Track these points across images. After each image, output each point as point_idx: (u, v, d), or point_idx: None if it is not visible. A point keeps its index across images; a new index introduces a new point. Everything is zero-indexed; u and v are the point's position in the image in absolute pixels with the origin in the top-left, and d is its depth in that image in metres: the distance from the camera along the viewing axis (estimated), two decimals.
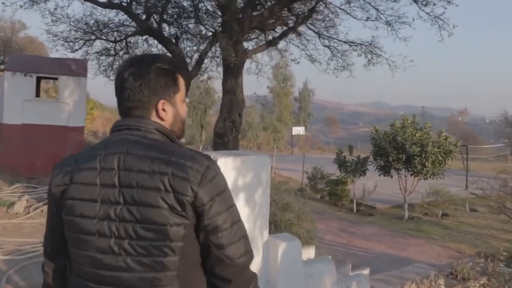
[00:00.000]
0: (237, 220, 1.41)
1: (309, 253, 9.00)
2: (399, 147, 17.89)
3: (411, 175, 18.34)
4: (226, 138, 7.82)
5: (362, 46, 9.92)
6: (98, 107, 26.11)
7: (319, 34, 10.01)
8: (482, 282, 7.52)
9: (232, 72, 8.19)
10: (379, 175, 19.19)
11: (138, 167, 1.33)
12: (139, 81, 1.43)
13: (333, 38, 10.05)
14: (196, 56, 10.37)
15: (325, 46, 10.31)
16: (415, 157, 17.50)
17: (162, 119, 1.47)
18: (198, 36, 10.11)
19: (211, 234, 1.35)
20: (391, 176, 18.96)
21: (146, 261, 1.31)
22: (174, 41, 9.32)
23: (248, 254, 1.43)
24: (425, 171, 17.76)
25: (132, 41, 10.63)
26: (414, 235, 16.03)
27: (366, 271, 9.73)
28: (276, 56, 11.27)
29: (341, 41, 10.05)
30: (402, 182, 18.55)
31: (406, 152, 17.65)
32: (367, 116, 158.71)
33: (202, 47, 10.12)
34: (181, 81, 1.51)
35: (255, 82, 11.43)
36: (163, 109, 1.47)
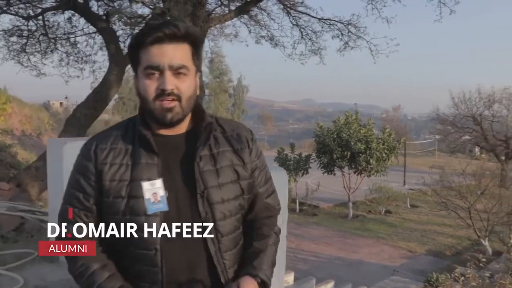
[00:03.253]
0: None
1: (288, 281, 7.93)
2: (344, 144, 17.33)
3: (354, 172, 17.90)
4: None
5: (340, 25, 8.72)
6: (15, 102, 23.16)
7: (288, 9, 8.64)
8: None
9: None
10: (323, 173, 18.53)
11: None
12: None
13: (305, 14, 8.66)
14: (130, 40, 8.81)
15: (294, 25, 9.00)
16: (360, 154, 17.03)
17: None
18: (133, 17, 8.46)
19: None
20: (334, 174, 18.42)
21: None
22: (105, 18, 7.72)
23: None
24: (369, 168, 17.37)
25: (51, 20, 8.81)
26: (362, 235, 15.52)
27: (330, 285, 8.81)
28: (228, 39, 9.69)
29: (315, 17, 8.65)
30: (346, 180, 18.06)
31: (351, 149, 17.12)
32: (297, 113, 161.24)
33: (138, 29, 8.54)
34: (140, 52, 1.28)
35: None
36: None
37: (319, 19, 8.69)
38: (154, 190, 1.26)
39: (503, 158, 25.93)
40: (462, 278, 6.40)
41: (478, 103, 27.70)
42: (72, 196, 1.32)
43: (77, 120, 7.55)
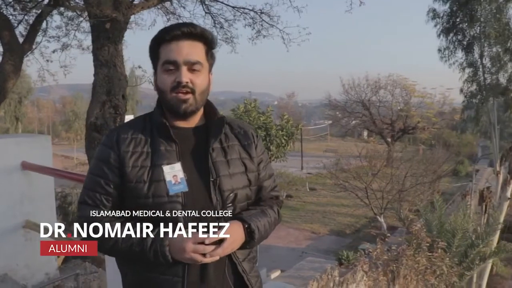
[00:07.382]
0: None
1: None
2: None
3: None
4: (107, 131, 5.50)
5: (253, 13, 8.43)
6: None
7: None
8: (366, 265, 7.23)
9: (109, 35, 6.04)
10: None
11: None
12: None
13: (218, 1, 8.27)
14: (21, 27, 7.73)
15: (207, 13, 8.56)
16: None
17: None
18: (25, 1, 7.37)
19: None
20: None
21: None
22: None
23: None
24: (269, 154, 17.63)
25: None
26: None
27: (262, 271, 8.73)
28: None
29: (229, 5, 8.33)
30: None
31: None
32: None
33: (31, 16, 7.49)
34: (160, 49, 1.42)
35: None
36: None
37: (232, 7, 8.43)
38: (174, 173, 1.35)
39: (389, 140, 28.11)
40: (375, 252, 6.74)
41: (366, 89, 29.68)
42: (94, 182, 1.40)
43: None
